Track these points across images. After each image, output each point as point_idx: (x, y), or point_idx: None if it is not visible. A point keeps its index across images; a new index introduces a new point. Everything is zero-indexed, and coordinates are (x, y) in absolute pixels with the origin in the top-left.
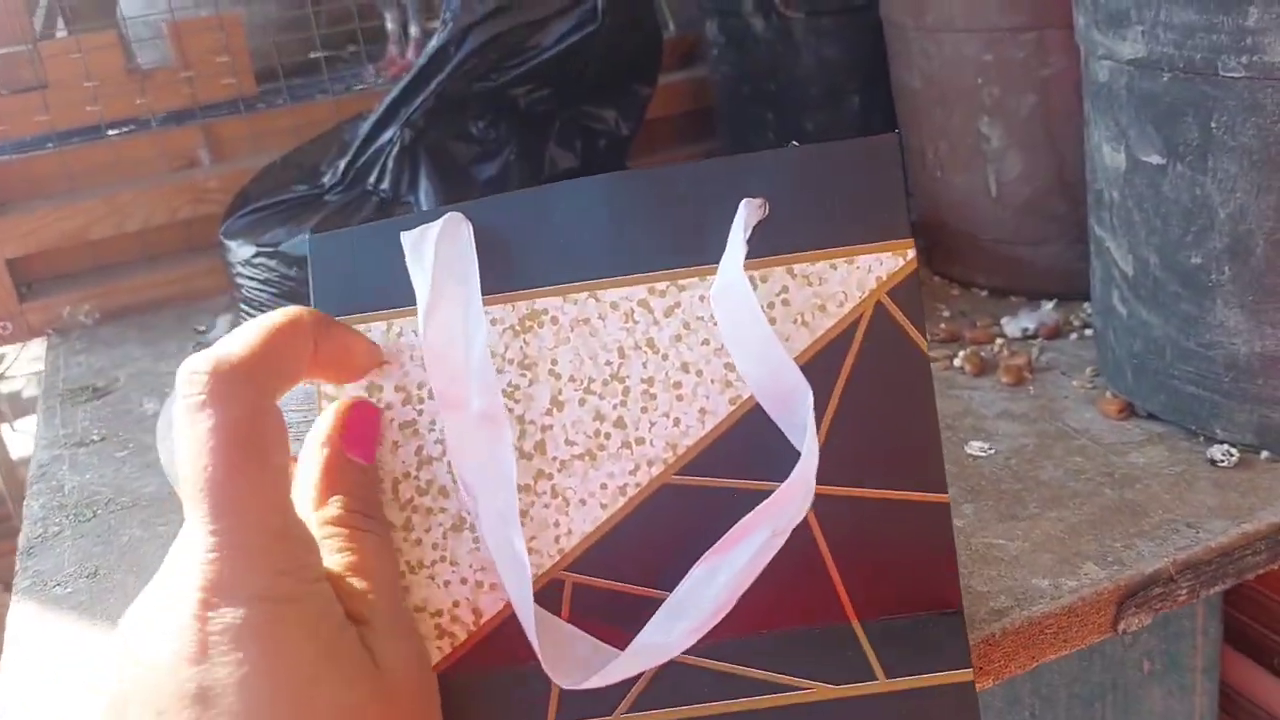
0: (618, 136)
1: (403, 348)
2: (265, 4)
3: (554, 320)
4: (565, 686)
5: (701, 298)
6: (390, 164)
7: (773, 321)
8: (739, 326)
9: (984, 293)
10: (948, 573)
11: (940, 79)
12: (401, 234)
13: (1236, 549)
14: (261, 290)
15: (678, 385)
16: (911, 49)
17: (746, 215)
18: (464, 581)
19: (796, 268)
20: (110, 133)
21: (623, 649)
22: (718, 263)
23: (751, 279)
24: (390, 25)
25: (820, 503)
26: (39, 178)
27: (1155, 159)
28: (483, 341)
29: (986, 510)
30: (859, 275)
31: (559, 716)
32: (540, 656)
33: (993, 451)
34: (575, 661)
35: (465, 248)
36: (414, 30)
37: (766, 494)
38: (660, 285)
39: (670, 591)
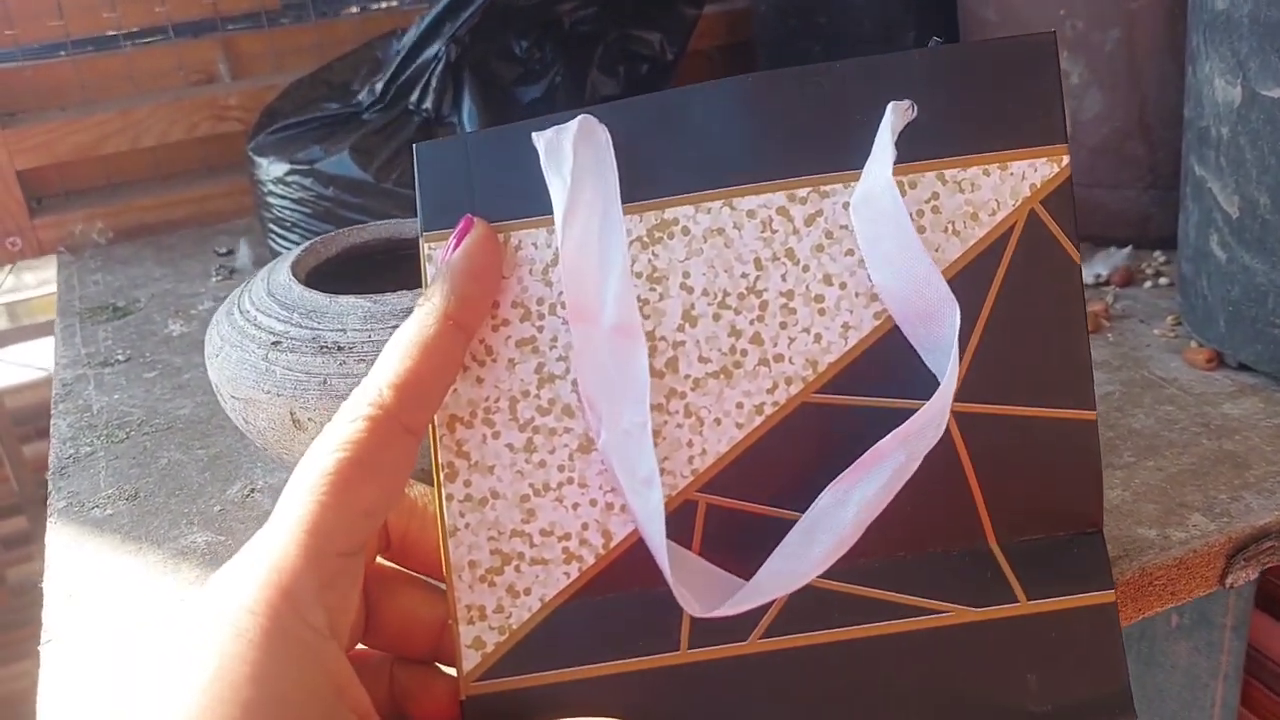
0: (662, 62)
1: (521, 261)
2: None
3: (685, 230)
4: (696, 615)
5: (845, 205)
6: (434, 81)
7: (921, 230)
8: (882, 236)
9: None
10: (1092, 492)
11: (1018, 10)
12: (534, 135)
13: None
14: (294, 209)
15: (819, 299)
16: None
17: (894, 118)
18: (593, 504)
19: (948, 173)
20: (126, 43)
21: (757, 568)
22: (863, 168)
23: (899, 185)
24: None
25: (965, 421)
26: (51, 87)
27: (1277, 92)
28: (621, 250)
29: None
30: (1013, 182)
31: (691, 641)
32: (671, 584)
33: None
34: (706, 589)
35: (604, 150)
36: None
37: (909, 413)
38: (801, 192)
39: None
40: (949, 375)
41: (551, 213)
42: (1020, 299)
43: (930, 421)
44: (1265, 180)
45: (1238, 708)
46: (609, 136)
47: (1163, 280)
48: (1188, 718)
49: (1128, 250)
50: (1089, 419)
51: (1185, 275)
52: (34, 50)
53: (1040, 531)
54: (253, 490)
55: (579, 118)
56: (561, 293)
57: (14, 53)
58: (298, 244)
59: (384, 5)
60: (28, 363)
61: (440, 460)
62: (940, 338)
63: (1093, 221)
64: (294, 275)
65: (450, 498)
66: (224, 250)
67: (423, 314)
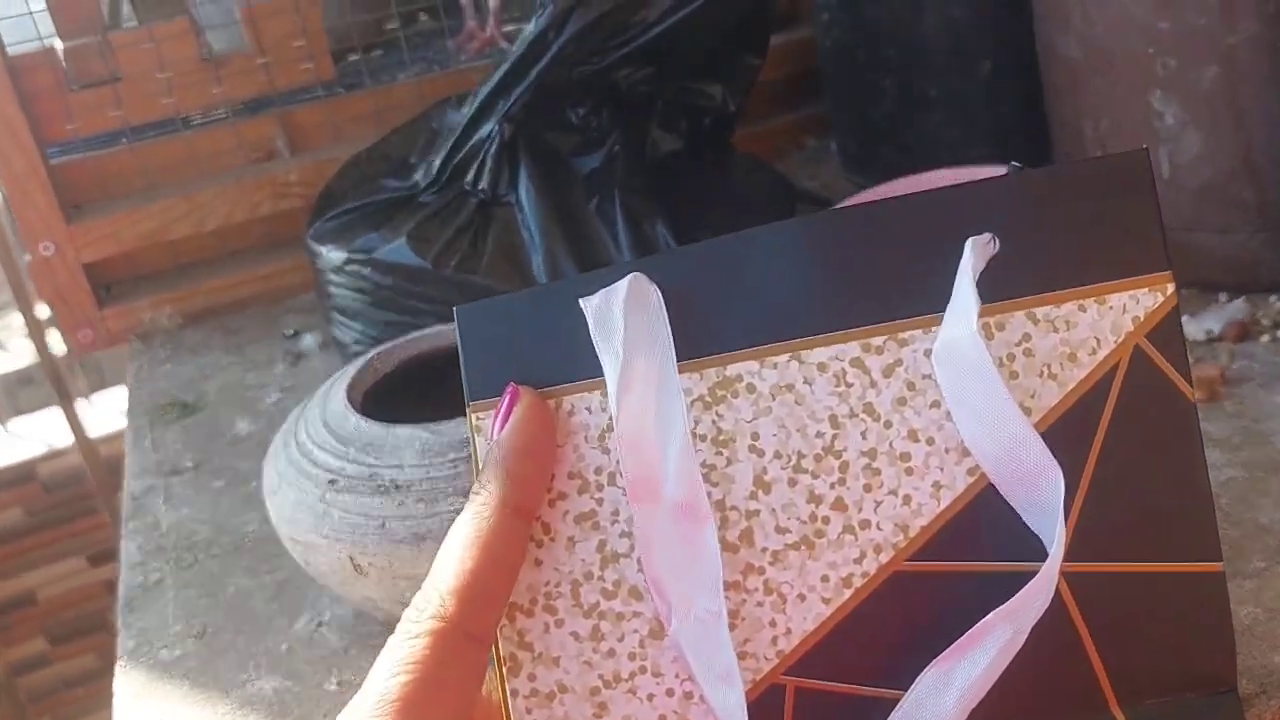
0: (725, 113)
1: (575, 428)
2: None
3: (751, 388)
4: None
5: (927, 352)
6: (489, 161)
7: (1014, 376)
8: (969, 391)
9: None
10: (1222, 648)
11: (1104, 45)
12: (582, 301)
13: None
14: (355, 299)
15: (905, 457)
16: (1069, 10)
17: (974, 256)
18: (670, 694)
19: (1039, 311)
20: (185, 127)
21: None
22: (943, 311)
23: (986, 327)
24: None
25: (1076, 581)
26: (113, 176)
27: None
28: (681, 422)
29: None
30: (1113, 317)
31: None
32: None
33: None
34: None
35: (656, 315)
36: (491, 3)
37: (1013, 576)
38: (877, 341)
39: (905, 690)
40: (1056, 544)
41: (603, 375)
42: (1130, 444)
43: (1038, 595)
44: None
45: None
46: (660, 297)
47: None
48: None
49: (1241, 301)
50: (1215, 570)
51: None
52: (94, 141)
53: (1168, 694)
54: (320, 625)
55: (628, 278)
56: (619, 461)
57: (75, 145)
58: (360, 331)
59: (440, 70)
60: (120, 408)
61: (502, 653)
62: (1043, 502)
63: (1198, 269)
64: (350, 400)
65: (515, 693)
66: (291, 333)
67: (478, 505)
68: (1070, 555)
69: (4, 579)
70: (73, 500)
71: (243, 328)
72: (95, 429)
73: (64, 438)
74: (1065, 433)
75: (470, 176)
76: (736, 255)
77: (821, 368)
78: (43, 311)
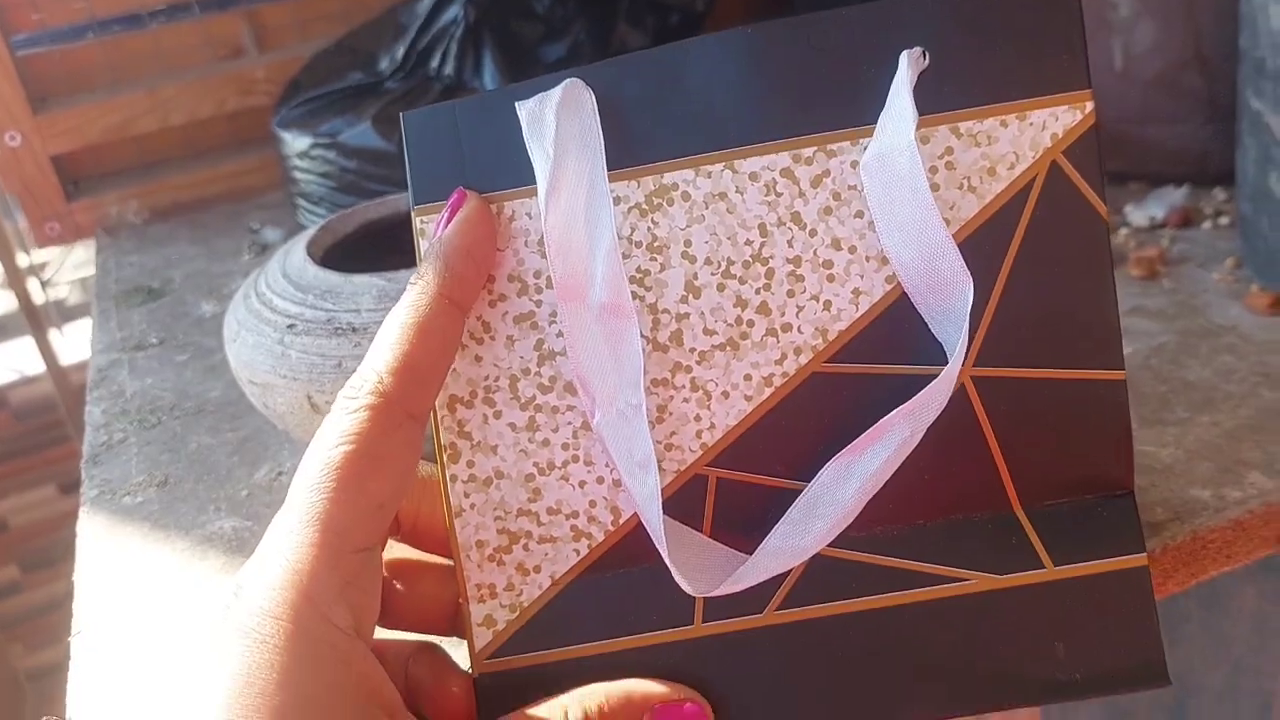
0: (693, 11)
1: (516, 232)
2: None
3: (686, 196)
4: (694, 594)
5: (854, 164)
6: (454, 47)
7: (935, 188)
8: (895, 201)
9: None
10: (1121, 453)
11: None
12: (518, 104)
13: None
14: (320, 183)
15: (828, 264)
16: None
17: (909, 70)
18: (600, 481)
19: (962, 126)
20: (152, 21)
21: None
22: (873, 124)
23: None
24: None
25: (984, 385)
26: (79, 70)
27: None
28: (609, 225)
29: (1131, 415)
30: (1032, 133)
31: (706, 615)
32: (668, 564)
33: (1130, 351)
34: (708, 567)
35: (589, 119)
36: None
37: (922, 380)
38: (806, 152)
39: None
40: (958, 351)
41: None
42: (1043, 257)
43: (936, 396)
44: None
45: None
46: (595, 102)
47: (1223, 220)
48: (1256, 664)
49: (1185, 189)
50: (1118, 379)
51: (1245, 215)
52: (61, 34)
53: (1068, 496)
54: (279, 473)
55: (564, 83)
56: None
57: (41, 37)
58: (324, 216)
59: None
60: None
61: (442, 441)
62: (951, 310)
63: (1148, 160)
64: (309, 255)
65: (454, 479)
66: (256, 227)
67: (416, 294)
68: (980, 361)
69: None
70: (44, 429)
71: (209, 222)
72: (66, 358)
73: (35, 365)
74: (981, 244)
75: (435, 62)
76: (675, 65)
77: (753, 177)
78: (11, 232)
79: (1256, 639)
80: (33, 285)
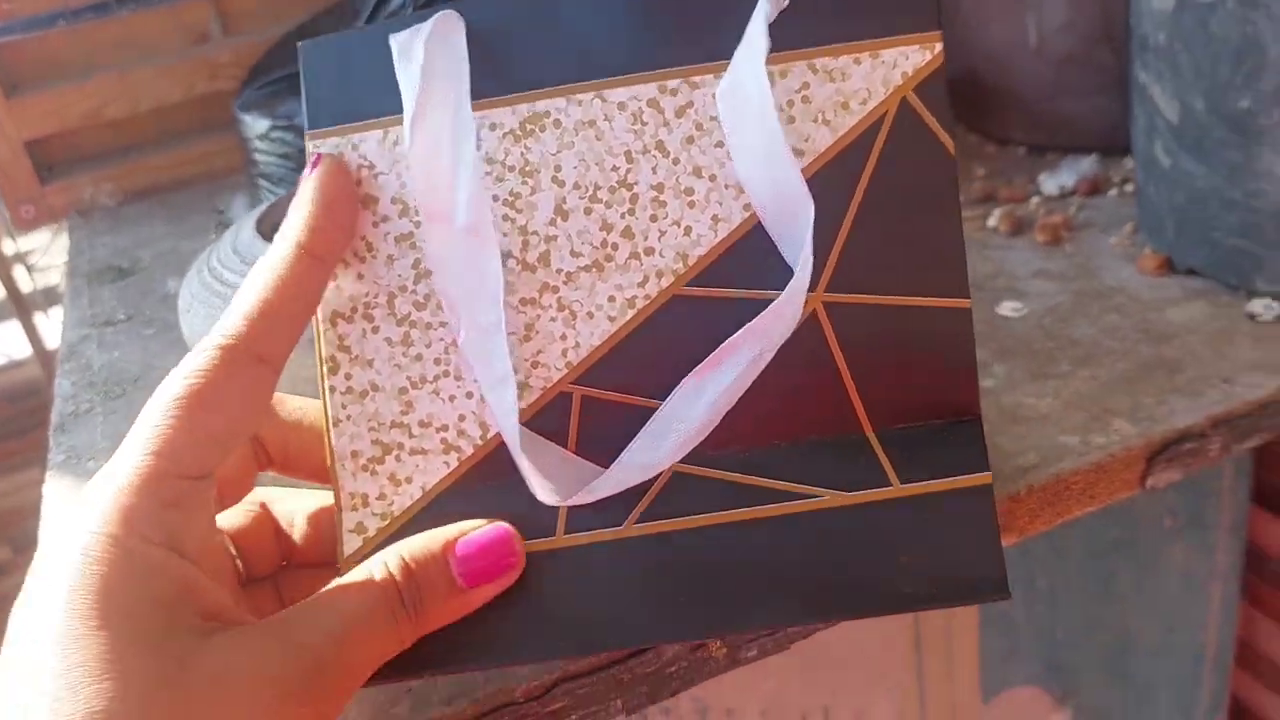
0: None
1: (399, 156)
2: None
3: (557, 123)
4: (549, 503)
5: (715, 95)
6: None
7: (790, 120)
8: (746, 129)
9: (1021, 150)
10: (967, 379)
11: None
12: (390, 37)
13: (1272, 403)
14: (279, 165)
15: (689, 191)
16: None
17: (768, 6)
18: (469, 396)
19: (818, 62)
20: (121, 8)
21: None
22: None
23: (770, 75)
24: None
25: (835, 311)
26: (51, 57)
27: None
28: (471, 150)
29: (1018, 370)
30: (884, 71)
31: (568, 527)
32: (524, 474)
33: (1025, 311)
34: (566, 480)
35: (456, 48)
36: None
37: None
38: (671, 84)
39: None
40: (800, 271)
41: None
42: (892, 188)
43: (780, 316)
44: (1199, 85)
45: (1241, 606)
46: (463, 35)
47: (1129, 187)
48: (1186, 618)
49: (1093, 158)
50: (963, 306)
51: (1139, 183)
52: (32, 21)
53: (916, 420)
54: None
55: (436, 15)
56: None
57: (12, 25)
58: None
59: None
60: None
61: (323, 354)
62: (796, 234)
63: (1063, 132)
64: (259, 232)
65: (333, 390)
66: (222, 208)
67: (278, 247)
68: (830, 287)
69: None
70: (31, 412)
71: (179, 203)
72: (53, 341)
73: (22, 350)
74: (833, 174)
75: None
76: (548, 1)
77: (621, 106)
78: None
79: (1186, 595)
80: (19, 271)
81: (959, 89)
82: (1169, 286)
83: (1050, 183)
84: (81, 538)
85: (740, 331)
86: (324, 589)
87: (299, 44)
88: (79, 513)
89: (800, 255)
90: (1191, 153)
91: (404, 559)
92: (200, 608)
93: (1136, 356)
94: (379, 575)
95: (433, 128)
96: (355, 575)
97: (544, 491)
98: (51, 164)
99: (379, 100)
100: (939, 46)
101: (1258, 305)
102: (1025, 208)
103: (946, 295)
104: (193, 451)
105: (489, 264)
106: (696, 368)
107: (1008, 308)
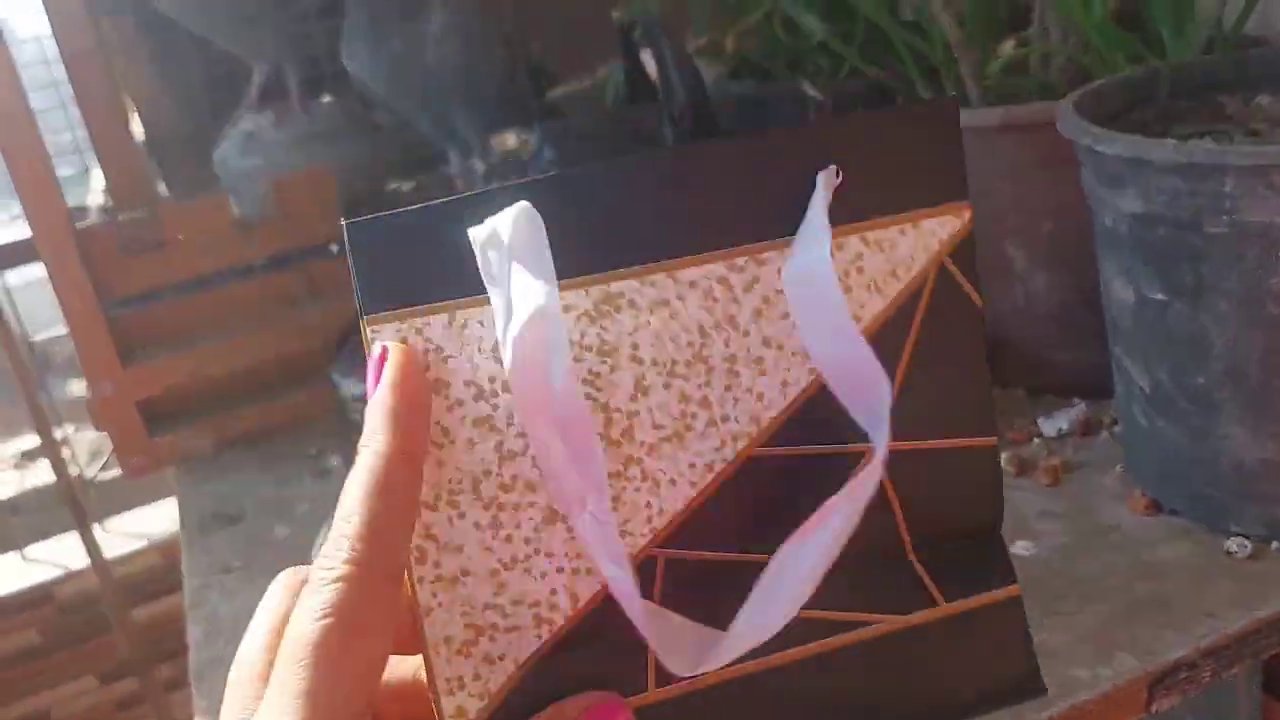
0: None
1: (469, 340)
2: (345, 143)
3: (632, 304)
4: (679, 673)
5: (778, 270)
6: None
7: (848, 290)
8: (817, 314)
9: (1021, 391)
10: (993, 505)
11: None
12: (470, 232)
13: (1250, 634)
14: None
15: (759, 360)
16: None
17: (825, 191)
18: (560, 570)
19: (870, 235)
20: (223, 282)
21: (718, 610)
22: (792, 234)
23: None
24: (453, 162)
25: (890, 458)
26: (161, 325)
27: (1159, 295)
28: (564, 349)
29: (1033, 607)
30: (924, 239)
31: (658, 681)
32: (654, 648)
33: (1035, 551)
34: (683, 646)
35: (539, 246)
36: (479, 167)
37: (846, 457)
38: (739, 261)
39: (758, 554)
40: (881, 441)
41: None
42: (933, 345)
43: (870, 480)
44: (1163, 364)
45: None
46: (542, 224)
47: (1117, 429)
48: None
49: (1084, 405)
50: (990, 444)
51: (1124, 435)
52: (145, 296)
53: (949, 543)
54: None
55: (516, 209)
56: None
57: (130, 300)
58: None
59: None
60: (131, 532)
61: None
62: (873, 406)
63: (1056, 378)
64: None
65: (422, 580)
66: (314, 452)
67: (369, 456)
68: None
69: (19, 698)
70: (88, 621)
71: (273, 450)
72: (110, 551)
73: (80, 560)
74: (886, 336)
75: None
76: (610, 183)
77: (692, 285)
78: (61, 439)
79: None
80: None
81: None
82: (1156, 526)
83: (1049, 425)
84: None
85: (834, 498)
86: None
87: (344, 222)
88: None
89: (880, 426)
90: (1163, 416)
91: None
92: None
93: (1132, 594)
94: None
95: (524, 332)
96: None
97: (675, 662)
98: (155, 416)
99: (441, 282)
100: (968, 214)
101: (1233, 544)
102: (1029, 448)
103: (977, 435)
104: (347, 691)
105: (593, 451)
106: (796, 531)
107: (1020, 546)
